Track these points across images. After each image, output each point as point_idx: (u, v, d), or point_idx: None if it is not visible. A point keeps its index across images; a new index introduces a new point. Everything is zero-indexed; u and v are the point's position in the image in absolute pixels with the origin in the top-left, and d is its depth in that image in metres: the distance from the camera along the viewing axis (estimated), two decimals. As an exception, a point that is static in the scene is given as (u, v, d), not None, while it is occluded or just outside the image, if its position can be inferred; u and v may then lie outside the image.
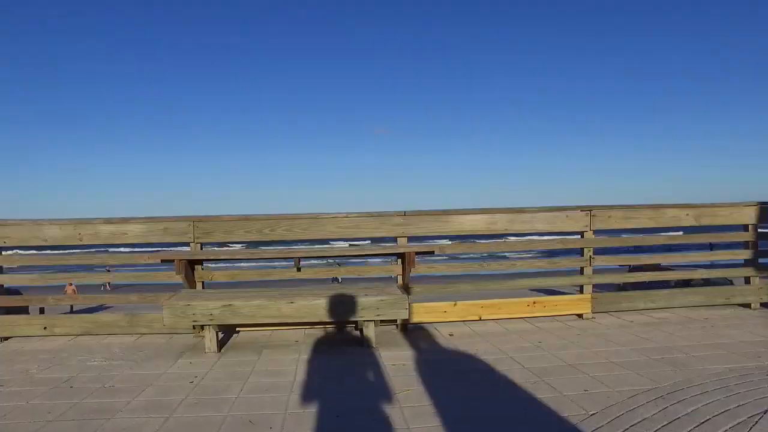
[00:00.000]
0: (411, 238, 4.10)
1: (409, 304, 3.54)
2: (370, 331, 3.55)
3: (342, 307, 3.43)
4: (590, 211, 4.27)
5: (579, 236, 4.32)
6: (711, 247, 5.08)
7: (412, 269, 3.98)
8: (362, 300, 3.42)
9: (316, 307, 3.42)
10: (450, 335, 3.92)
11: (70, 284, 21.29)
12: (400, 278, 4.10)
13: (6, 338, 3.97)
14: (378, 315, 3.45)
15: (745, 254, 4.59)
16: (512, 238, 4.72)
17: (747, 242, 4.59)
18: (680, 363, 2.99)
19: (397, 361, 3.22)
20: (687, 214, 4.46)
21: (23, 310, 5.95)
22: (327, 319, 3.45)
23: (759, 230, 4.59)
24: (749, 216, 4.54)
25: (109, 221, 3.94)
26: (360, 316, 3.44)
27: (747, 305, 4.57)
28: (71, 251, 4.20)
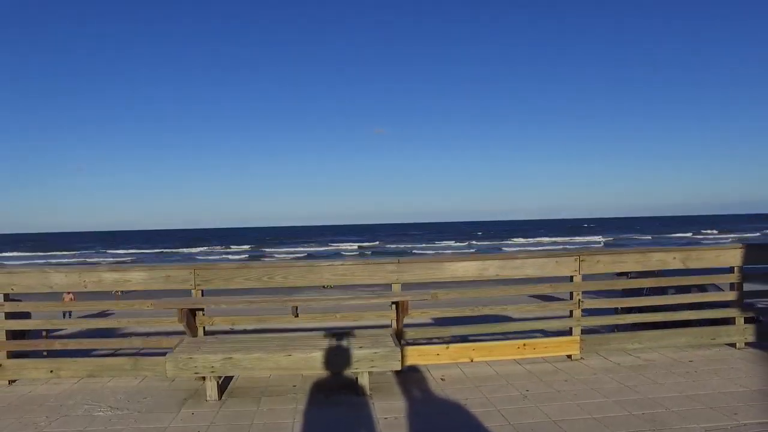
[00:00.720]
0: (405, 285, 4.23)
1: (401, 355, 3.67)
2: (364, 379, 3.69)
3: (337, 359, 3.57)
4: (579, 256, 4.40)
5: (569, 280, 4.45)
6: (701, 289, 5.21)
7: (405, 315, 4.12)
8: (356, 353, 3.57)
9: (313, 359, 3.56)
10: (442, 379, 4.06)
11: (68, 292, 21.56)
12: (394, 323, 4.24)
13: (13, 381, 4.13)
14: (372, 367, 3.59)
15: (731, 295, 4.72)
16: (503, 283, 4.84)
17: (732, 284, 4.72)
18: (659, 421, 3.13)
19: (389, 413, 3.36)
20: (674, 258, 4.59)
21: (34, 335, 6.10)
22: (323, 371, 3.59)
23: (744, 272, 4.73)
24: (734, 258, 4.67)
25: (113, 269, 4.08)
26: (354, 368, 3.58)
27: (732, 344, 4.71)
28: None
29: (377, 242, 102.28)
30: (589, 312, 4.54)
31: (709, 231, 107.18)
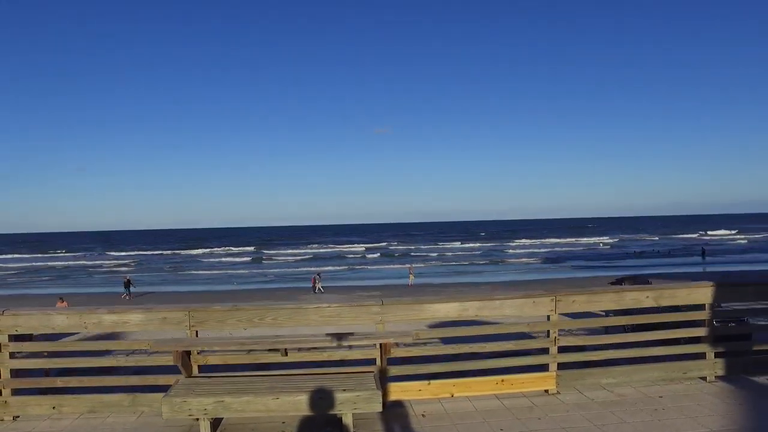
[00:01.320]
0: (389, 326, 4.46)
1: (383, 395, 3.90)
2: (348, 419, 3.91)
3: (322, 402, 3.80)
4: (555, 297, 4.62)
5: (546, 319, 4.67)
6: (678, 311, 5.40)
7: (389, 354, 4.35)
8: (340, 396, 3.79)
9: (299, 402, 3.79)
10: (423, 415, 4.29)
11: (61, 300, 21.76)
12: (378, 360, 4.46)
13: (17, 417, 4.36)
14: (355, 408, 3.82)
15: (701, 331, 4.94)
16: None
17: (703, 320, 4.94)
18: (620, 466, 3.35)
19: (370, 455, 3.59)
20: (647, 297, 4.81)
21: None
22: (309, 413, 3.82)
23: (715, 309, 4.95)
24: (705, 296, 4.88)
25: (111, 311, 4.31)
26: (338, 409, 3.81)
27: (704, 378, 4.92)
28: (79, 338, 4.56)
29: (383, 243, 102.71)
30: (565, 349, 4.76)
31: (719, 232, 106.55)
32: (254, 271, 56.03)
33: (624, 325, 5.70)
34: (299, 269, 53.77)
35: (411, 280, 39.60)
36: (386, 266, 57.91)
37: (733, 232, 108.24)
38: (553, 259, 60.73)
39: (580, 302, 4.69)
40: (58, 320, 4.31)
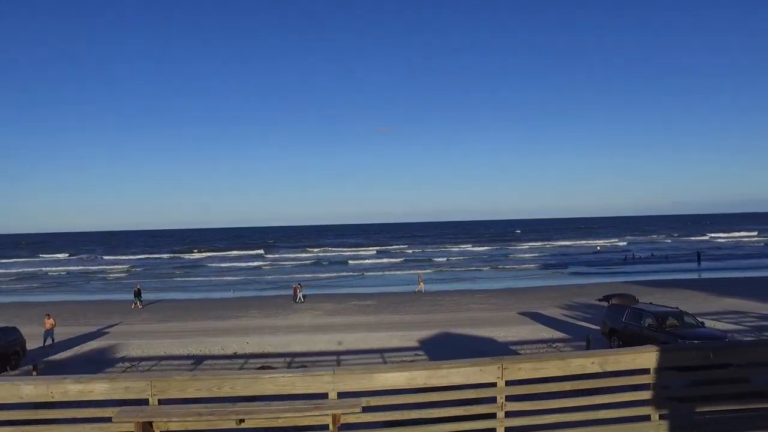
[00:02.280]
0: (340, 393, 4.68)
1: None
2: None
3: (269, 477, 4.03)
4: (501, 364, 4.83)
5: (493, 386, 4.88)
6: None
7: (339, 422, 4.58)
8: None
9: (247, 477, 4.02)
10: (372, 481, 4.51)
11: (48, 316, 21.95)
12: (331, 426, 4.69)
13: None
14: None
15: (646, 395, 5.15)
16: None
17: (648, 384, 5.14)
18: None
19: None
20: (593, 362, 5.01)
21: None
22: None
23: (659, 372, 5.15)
24: (650, 361, 5.09)
25: (77, 380, 4.54)
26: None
27: (649, 438, 5.13)
28: (46, 409, 4.79)
29: (387, 246, 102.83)
30: (512, 413, 4.97)
31: (734, 234, 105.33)
32: (252, 277, 56.29)
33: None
34: (299, 275, 54.02)
35: (420, 287, 39.63)
36: (390, 272, 57.99)
37: (754, 233, 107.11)
38: (553, 265, 60.80)
39: (526, 369, 4.90)
40: (26, 390, 4.54)
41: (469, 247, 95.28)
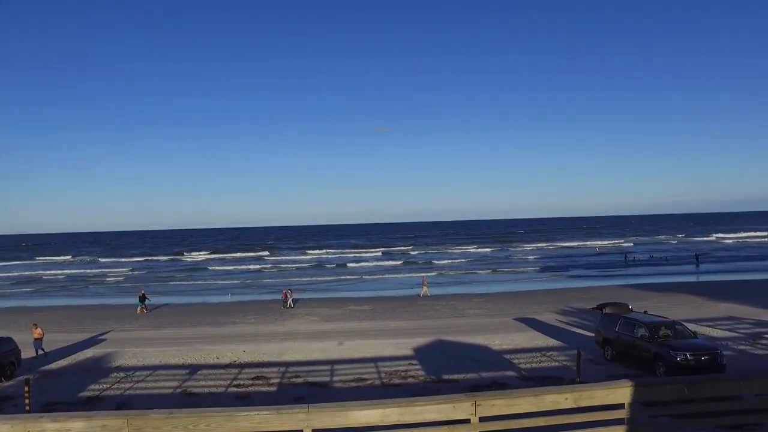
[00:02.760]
0: (315, 431, 4.73)
1: None
2: None
3: None
4: (475, 401, 4.88)
5: (467, 422, 4.93)
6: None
7: (314, 460, 4.63)
8: None
9: None
10: None
11: (36, 326, 21.84)
12: (306, 464, 4.74)
13: None
14: None
15: (620, 430, 5.19)
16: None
17: (622, 419, 5.19)
18: None
19: None
20: (566, 398, 5.06)
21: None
22: None
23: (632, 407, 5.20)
24: (624, 396, 5.14)
25: (54, 419, 4.59)
26: None
27: (622, 472, 5.18)
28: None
29: (391, 247, 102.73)
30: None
31: (744, 234, 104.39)
32: (251, 281, 56.31)
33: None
34: (298, 279, 54.03)
35: (424, 291, 39.49)
36: (390, 275, 58.05)
37: (762, 233, 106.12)
38: (552, 267, 60.81)
39: (499, 405, 4.95)
40: (3, 429, 4.60)
41: (471, 249, 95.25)
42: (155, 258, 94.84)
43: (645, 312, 21.01)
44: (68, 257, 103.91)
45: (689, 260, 61.37)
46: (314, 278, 56.46)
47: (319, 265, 72.99)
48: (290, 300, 34.73)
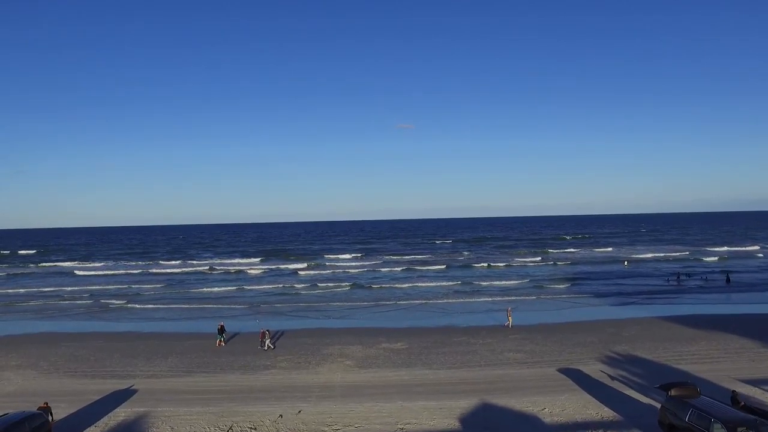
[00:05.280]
0: None
1: None
2: None
3: None
4: None
5: None
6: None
7: None
8: None
9: None
10: None
11: (46, 404, 20.26)
12: None
13: None
14: None
15: None
16: None
17: None
18: None
19: None
20: None
21: None
22: None
23: None
24: None
25: None
26: None
27: None
28: None
29: (424, 255, 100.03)
30: None
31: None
32: (284, 296, 54.79)
33: None
34: (336, 304, 52.23)
35: (509, 323, 38.05)
36: (425, 301, 55.28)
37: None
38: (589, 290, 57.42)
39: None
40: None
41: (515, 259, 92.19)
42: (190, 269, 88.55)
43: (733, 393, 19.32)
44: (99, 264, 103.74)
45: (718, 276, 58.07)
46: (352, 303, 51.79)
47: (331, 279, 68.82)
48: (267, 341, 32.27)
